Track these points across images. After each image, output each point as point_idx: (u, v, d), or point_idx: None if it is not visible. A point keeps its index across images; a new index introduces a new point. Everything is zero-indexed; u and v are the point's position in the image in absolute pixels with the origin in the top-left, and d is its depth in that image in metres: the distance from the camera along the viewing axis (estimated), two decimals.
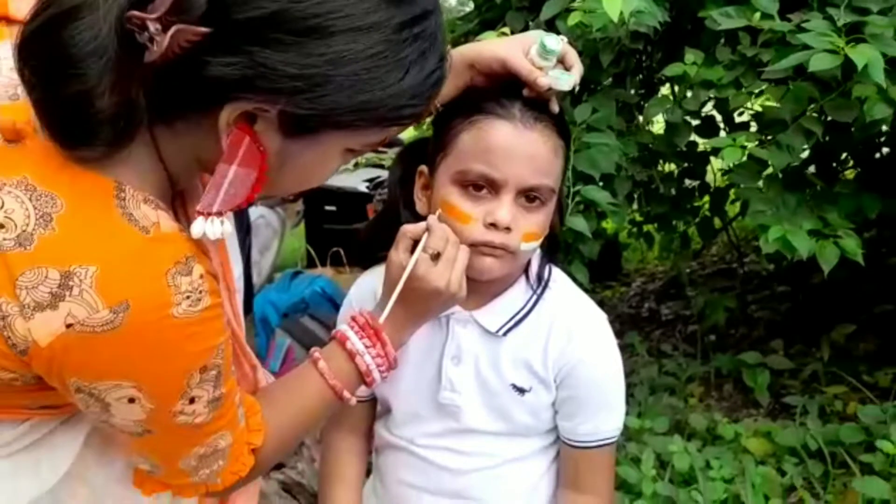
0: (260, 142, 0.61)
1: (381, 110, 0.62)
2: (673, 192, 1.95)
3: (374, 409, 1.07)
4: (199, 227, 0.61)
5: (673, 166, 2.02)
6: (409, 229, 0.87)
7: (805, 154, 1.74)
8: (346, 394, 0.84)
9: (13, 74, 0.58)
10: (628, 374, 2.36)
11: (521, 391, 0.96)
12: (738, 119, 1.94)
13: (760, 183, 1.62)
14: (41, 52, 0.54)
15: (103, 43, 0.53)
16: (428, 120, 0.95)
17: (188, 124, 0.62)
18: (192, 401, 0.63)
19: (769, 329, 2.55)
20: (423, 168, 0.94)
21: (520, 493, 1.01)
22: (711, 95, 1.64)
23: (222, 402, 0.67)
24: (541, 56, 0.86)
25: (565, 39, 0.89)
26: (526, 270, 0.98)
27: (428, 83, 0.64)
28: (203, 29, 0.53)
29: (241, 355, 0.81)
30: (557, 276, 1.01)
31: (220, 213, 0.61)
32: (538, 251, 0.99)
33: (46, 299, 0.54)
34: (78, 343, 0.55)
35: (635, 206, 2.07)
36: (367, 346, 0.84)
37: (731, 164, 1.69)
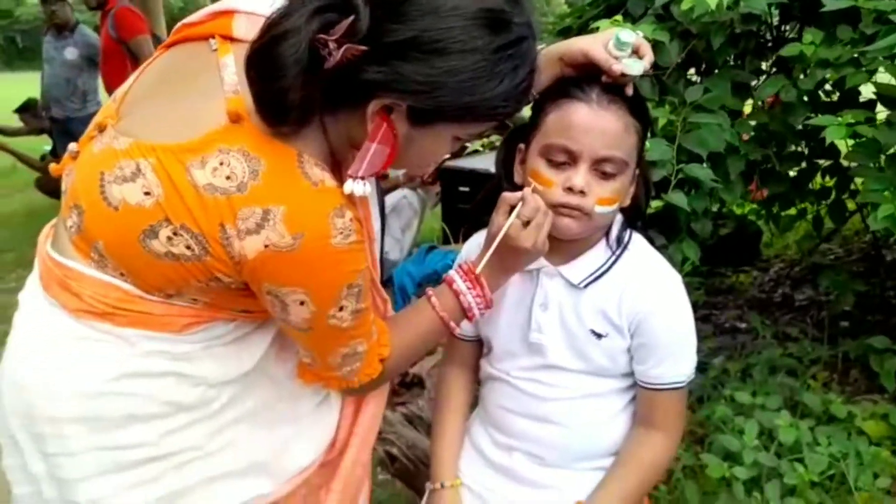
0: (394, 127, 0.82)
1: (480, 109, 0.83)
2: (792, 173, 1.94)
3: (480, 348, 1.27)
4: (349, 185, 0.83)
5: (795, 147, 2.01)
6: (507, 197, 1.04)
7: None
8: (452, 324, 1.05)
9: (234, 77, 0.82)
10: (746, 355, 2.39)
11: (599, 336, 1.11)
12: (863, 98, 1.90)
13: (877, 162, 1.60)
14: (262, 60, 0.76)
15: (301, 56, 0.74)
16: (527, 106, 1.13)
17: (346, 113, 0.84)
18: (341, 308, 0.86)
19: None
20: (521, 146, 1.11)
21: (596, 423, 1.16)
22: (828, 76, 1.65)
23: (361, 314, 0.90)
24: (616, 47, 1.01)
25: (639, 33, 1.03)
26: (607, 235, 1.13)
27: (517, 91, 0.85)
28: (363, 47, 0.76)
29: (375, 291, 1.03)
30: (637, 240, 1.15)
31: (363, 178, 0.83)
32: (619, 218, 1.14)
33: (253, 227, 0.77)
34: (270, 258, 0.79)
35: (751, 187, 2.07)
36: (468, 288, 1.04)
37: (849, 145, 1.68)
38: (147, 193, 0.80)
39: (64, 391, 0.86)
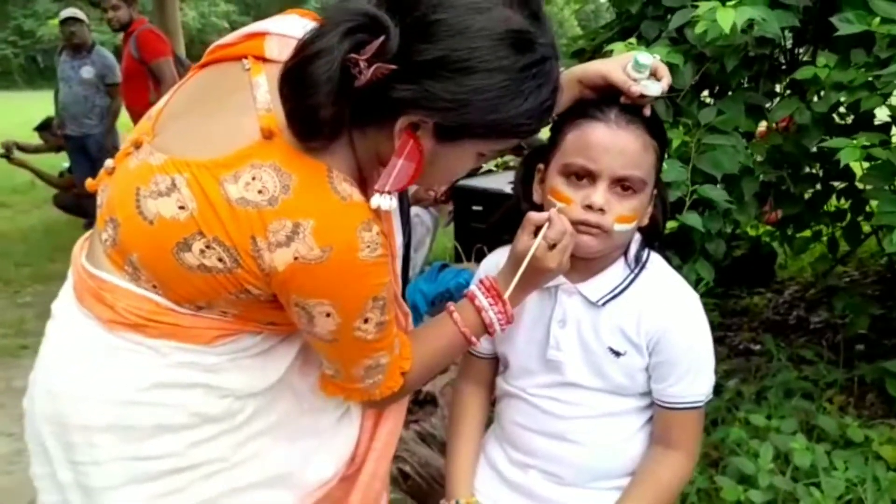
0: (420, 143, 0.84)
1: (505, 126, 0.85)
2: (806, 195, 1.95)
3: (496, 365, 1.28)
4: (376, 200, 0.84)
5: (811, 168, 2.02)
6: (532, 217, 1.05)
7: None
8: (473, 339, 1.06)
9: (267, 95, 0.85)
10: (761, 378, 2.37)
11: (617, 354, 1.12)
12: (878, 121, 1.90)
13: (892, 185, 1.61)
14: (295, 78, 0.78)
15: (332, 75, 0.76)
16: (547, 127, 1.15)
17: (374, 130, 0.86)
18: (366, 321, 0.88)
19: None
20: (541, 165, 1.13)
21: (614, 442, 1.16)
22: (843, 99, 1.66)
23: (385, 327, 0.92)
24: (635, 69, 1.03)
25: (657, 56, 1.05)
26: (626, 254, 1.14)
27: (541, 109, 0.87)
28: (392, 66, 0.77)
29: (397, 305, 1.04)
30: (655, 259, 1.16)
31: (389, 192, 0.85)
32: (637, 237, 1.15)
33: (283, 240, 0.80)
34: (300, 270, 0.81)
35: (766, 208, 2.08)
36: (490, 304, 1.05)
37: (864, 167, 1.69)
38: (181, 207, 0.82)
39: (96, 400, 0.88)
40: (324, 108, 0.78)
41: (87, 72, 4.91)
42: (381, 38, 0.77)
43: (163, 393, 0.88)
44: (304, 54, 0.78)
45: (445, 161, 0.89)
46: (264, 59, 0.89)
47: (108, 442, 0.88)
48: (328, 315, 0.86)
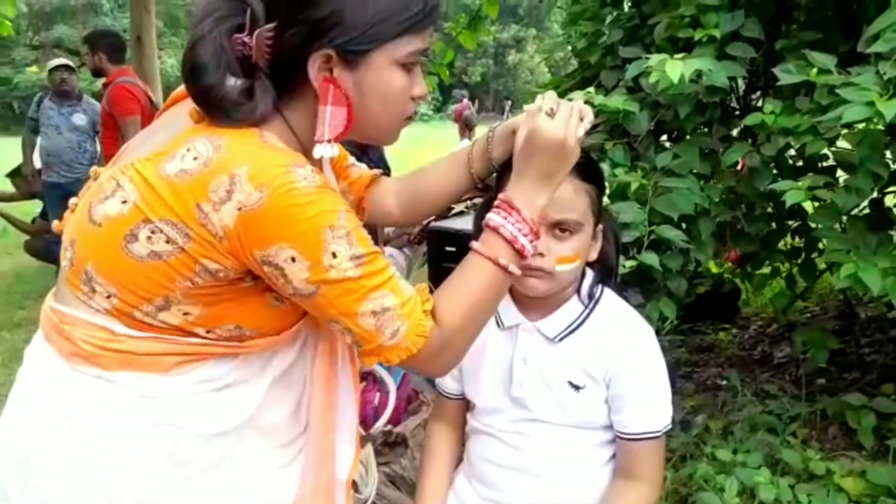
0: (338, 84, 0.87)
1: (392, 18, 0.87)
2: (757, 232, 2.03)
3: (466, 405, 1.30)
4: (318, 150, 0.88)
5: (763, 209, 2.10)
6: (532, 107, 1.00)
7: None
8: (503, 262, 0.95)
9: None
10: (727, 412, 2.42)
11: (577, 388, 1.15)
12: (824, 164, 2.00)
13: (841, 222, 1.69)
14: (188, 68, 0.85)
15: (216, 56, 0.84)
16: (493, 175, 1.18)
17: (298, 98, 0.89)
18: (334, 255, 0.84)
19: (883, 373, 2.48)
20: None
21: (579, 476, 1.18)
22: (791, 142, 1.75)
23: (365, 261, 0.86)
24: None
25: (580, 97, 1.10)
26: (579, 290, 1.19)
27: None
28: (269, 25, 0.85)
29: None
30: (609, 295, 1.21)
31: (329, 141, 0.88)
32: (590, 274, 1.20)
33: (224, 195, 0.81)
34: (248, 219, 0.81)
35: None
36: (504, 218, 0.97)
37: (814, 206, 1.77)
38: (124, 202, 0.85)
39: (56, 441, 0.88)
40: (218, 87, 0.84)
41: (80, 118, 4.87)
42: (247, 10, 0.85)
43: (122, 434, 0.88)
44: (189, 46, 0.86)
45: (371, 86, 0.90)
46: None
47: (67, 483, 0.87)
48: (294, 259, 0.84)
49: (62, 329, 0.89)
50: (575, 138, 0.98)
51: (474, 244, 0.98)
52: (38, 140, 4.97)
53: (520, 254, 0.97)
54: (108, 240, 0.85)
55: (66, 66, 4.91)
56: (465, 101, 9.88)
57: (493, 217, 0.98)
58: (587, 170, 1.12)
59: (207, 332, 0.90)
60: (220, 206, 0.82)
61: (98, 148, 4.83)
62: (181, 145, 0.85)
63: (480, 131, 1.38)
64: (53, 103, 4.87)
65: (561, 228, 1.09)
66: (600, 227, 1.17)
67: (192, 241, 0.83)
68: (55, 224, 1.00)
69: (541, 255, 1.08)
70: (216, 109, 0.86)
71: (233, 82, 0.86)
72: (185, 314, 0.88)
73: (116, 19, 25.71)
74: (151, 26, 6.29)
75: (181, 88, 0.98)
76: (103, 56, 4.39)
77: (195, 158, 0.83)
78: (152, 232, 0.84)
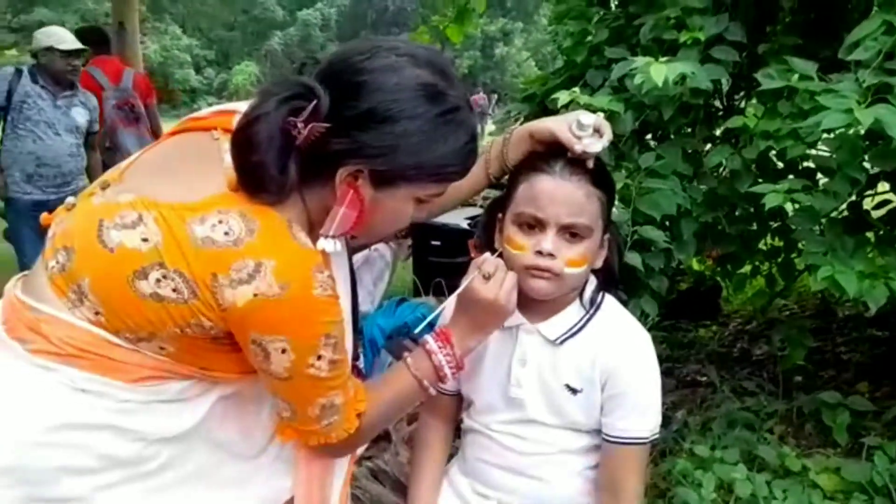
0: (360, 192, 0.93)
1: (431, 168, 0.94)
2: (738, 232, 2.06)
3: (460, 402, 1.34)
4: (322, 243, 0.93)
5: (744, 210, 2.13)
6: (476, 261, 1.13)
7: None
8: (426, 383, 1.09)
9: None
10: (706, 408, 2.46)
11: (574, 391, 1.18)
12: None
13: (819, 225, 1.71)
14: (241, 140, 0.88)
15: (273, 136, 0.87)
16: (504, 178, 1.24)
17: (320, 186, 0.93)
18: (319, 357, 0.93)
19: (858, 372, 2.53)
20: (500, 214, 1.20)
21: (573, 479, 1.22)
22: (772, 145, 1.77)
23: (338, 366, 0.96)
24: (578, 129, 1.12)
25: (600, 115, 1.15)
26: (581, 296, 1.21)
27: (462, 151, 0.96)
28: (326, 124, 0.88)
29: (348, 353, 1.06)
30: (609, 301, 1.23)
31: (333, 237, 0.93)
32: (592, 280, 1.22)
33: (245, 278, 0.86)
34: (259, 306, 0.87)
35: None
36: (439, 347, 1.09)
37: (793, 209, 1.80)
38: (145, 240, 0.87)
39: (4, 441, 0.88)
40: (268, 165, 0.87)
41: (80, 114, 3.58)
42: (314, 101, 0.88)
43: (70, 433, 0.89)
44: (248, 119, 0.88)
45: (385, 207, 0.96)
46: (231, 132, 0.96)
47: (8, 484, 0.88)
48: (283, 351, 0.90)
49: (39, 327, 0.90)
50: (507, 299, 1.09)
51: (408, 360, 1.10)
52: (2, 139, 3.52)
53: (441, 380, 1.11)
54: (116, 269, 0.88)
55: (83, 53, 3.64)
56: (481, 94, 9.85)
57: (430, 342, 1.10)
58: (599, 176, 1.14)
59: (176, 362, 0.95)
60: (238, 284, 0.86)
61: (87, 154, 3.72)
62: (212, 212, 0.87)
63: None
64: (44, 91, 3.48)
65: (571, 233, 1.12)
66: (607, 235, 1.19)
67: (198, 300, 0.87)
68: (44, 216, 1.00)
69: (551, 255, 1.10)
70: (256, 183, 0.89)
71: (273, 159, 0.88)
72: (162, 348, 0.93)
73: (99, 3, 25.31)
74: (134, 11, 6.24)
75: (194, 116, 1.03)
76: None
77: (226, 234, 0.86)
78: (163, 276, 0.86)
